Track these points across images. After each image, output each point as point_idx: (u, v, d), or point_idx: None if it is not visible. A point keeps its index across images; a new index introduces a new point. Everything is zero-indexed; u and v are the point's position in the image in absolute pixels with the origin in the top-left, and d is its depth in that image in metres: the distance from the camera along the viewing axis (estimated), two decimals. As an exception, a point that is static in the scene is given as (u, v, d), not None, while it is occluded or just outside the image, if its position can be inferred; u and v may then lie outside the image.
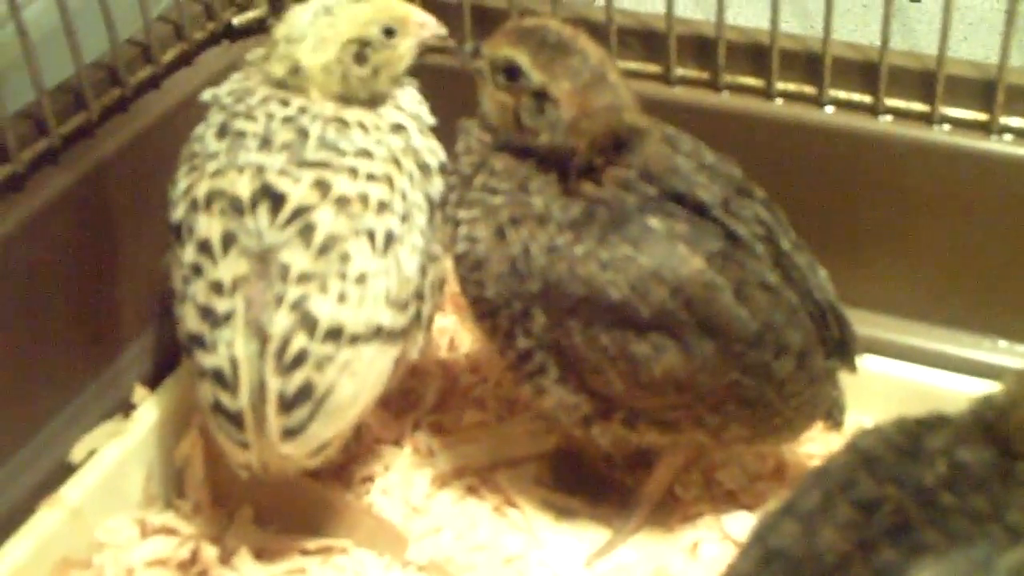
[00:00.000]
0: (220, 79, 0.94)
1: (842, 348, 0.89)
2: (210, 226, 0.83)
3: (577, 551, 0.94)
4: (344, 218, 0.84)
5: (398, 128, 0.90)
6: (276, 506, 0.96)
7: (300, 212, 0.83)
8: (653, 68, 1.04)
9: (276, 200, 0.83)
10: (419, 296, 0.88)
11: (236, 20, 1.11)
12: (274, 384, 0.81)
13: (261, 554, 0.93)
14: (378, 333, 0.84)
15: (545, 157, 0.85)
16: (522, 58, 0.84)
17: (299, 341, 0.81)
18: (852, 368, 0.91)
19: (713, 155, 0.89)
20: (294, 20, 0.91)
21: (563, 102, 0.84)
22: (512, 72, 0.85)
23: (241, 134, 0.86)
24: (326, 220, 0.83)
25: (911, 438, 0.65)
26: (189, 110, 0.96)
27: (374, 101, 0.91)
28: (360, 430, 0.97)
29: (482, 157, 0.88)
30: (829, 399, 0.91)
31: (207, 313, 0.82)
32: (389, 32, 0.91)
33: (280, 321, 0.81)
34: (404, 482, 0.98)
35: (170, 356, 1.02)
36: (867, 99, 1.00)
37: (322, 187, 0.84)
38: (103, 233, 1.00)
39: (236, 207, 0.83)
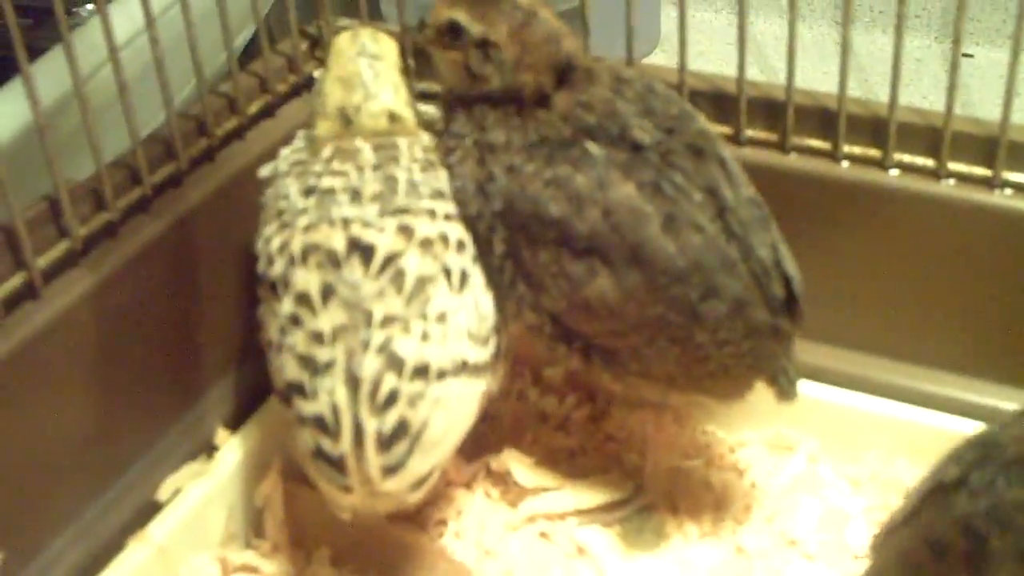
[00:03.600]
0: (300, 129, 1.00)
1: (790, 308, 0.93)
2: (308, 279, 0.87)
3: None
4: (429, 259, 0.88)
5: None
6: (353, 547, 0.99)
7: (390, 259, 0.87)
8: (724, 129, 1.07)
9: (367, 252, 0.87)
10: (497, 330, 0.92)
11: (316, 73, 1.15)
12: (371, 425, 0.83)
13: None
14: (464, 367, 0.87)
15: (500, 99, 0.94)
16: (460, 15, 0.94)
17: (389, 381, 0.84)
18: (797, 326, 0.95)
19: (677, 107, 0.95)
20: (349, 70, 0.97)
21: (504, 44, 0.93)
22: (455, 31, 0.94)
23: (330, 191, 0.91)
24: (413, 264, 0.87)
25: None
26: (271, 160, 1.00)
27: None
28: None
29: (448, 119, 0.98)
30: (774, 359, 0.95)
31: (307, 362, 0.85)
32: None
33: (369, 365, 0.84)
34: (478, 525, 1.01)
35: (251, 399, 1.05)
36: (930, 163, 1.03)
37: (406, 232, 0.88)
38: (189, 279, 1.03)
39: (333, 260, 0.87)
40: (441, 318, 0.87)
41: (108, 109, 1.01)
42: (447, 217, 0.91)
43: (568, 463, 1.06)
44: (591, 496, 1.03)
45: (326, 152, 0.94)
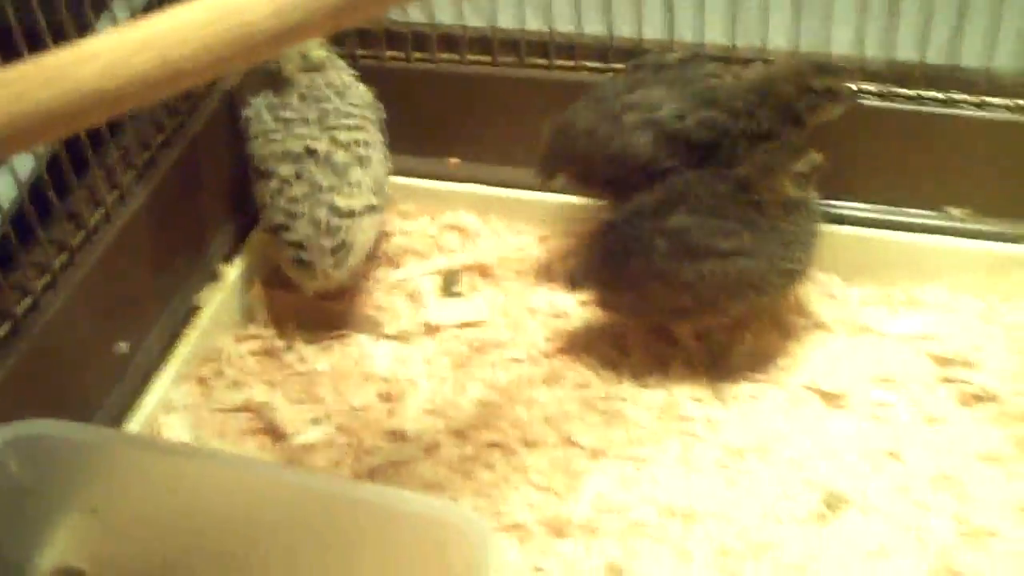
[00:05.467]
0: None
1: None
2: (287, 169, 1.64)
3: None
4: (349, 154, 1.65)
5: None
6: (307, 320, 1.75)
7: (327, 156, 1.64)
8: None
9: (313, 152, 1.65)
10: (387, 183, 1.70)
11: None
12: (326, 243, 1.62)
13: (308, 341, 1.74)
14: (370, 209, 1.65)
15: None
16: None
17: (333, 220, 1.62)
18: None
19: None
20: None
21: None
22: None
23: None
24: (339, 158, 1.65)
25: None
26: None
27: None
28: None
29: None
30: None
31: (289, 213, 1.63)
32: None
33: (322, 212, 1.62)
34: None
35: (236, 244, 1.81)
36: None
37: (335, 141, 1.65)
38: (197, 169, 1.79)
39: (297, 159, 1.64)
40: (357, 184, 1.65)
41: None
42: (356, 128, 1.67)
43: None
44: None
45: (280, 90, 1.70)
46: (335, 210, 1.62)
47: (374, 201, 1.67)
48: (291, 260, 1.64)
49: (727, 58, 1.71)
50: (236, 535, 1.29)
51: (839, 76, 1.58)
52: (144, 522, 1.31)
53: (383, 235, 1.84)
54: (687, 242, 1.54)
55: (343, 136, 1.66)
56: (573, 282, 1.65)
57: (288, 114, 1.68)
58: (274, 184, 1.65)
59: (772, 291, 1.58)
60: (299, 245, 1.63)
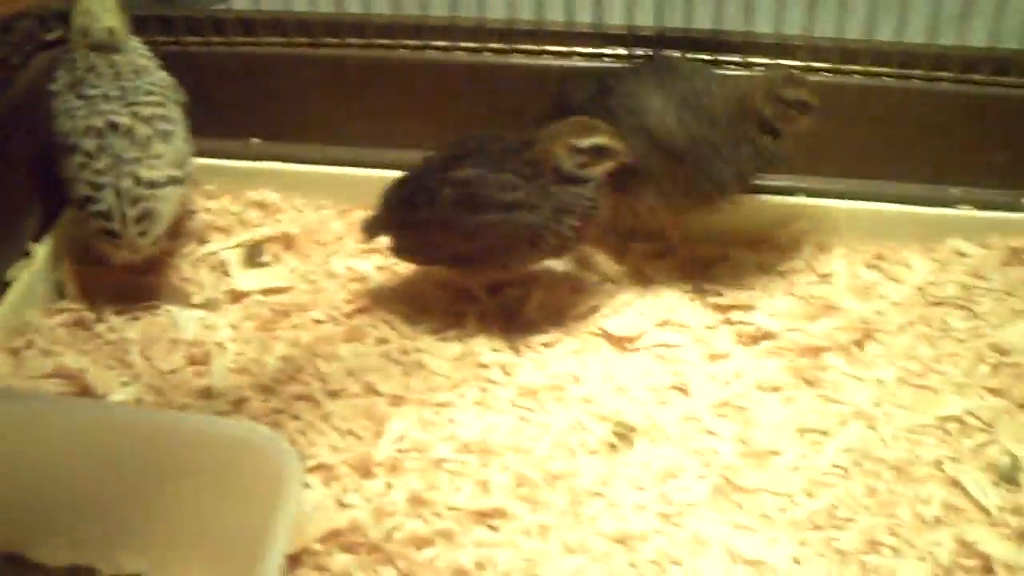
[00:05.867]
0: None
1: None
2: (89, 144, 1.70)
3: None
4: (149, 128, 1.72)
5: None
6: (115, 291, 1.81)
7: (128, 130, 1.71)
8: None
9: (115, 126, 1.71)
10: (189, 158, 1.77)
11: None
12: (130, 213, 1.68)
13: (117, 313, 1.79)
14: (171, 180, 1.72)
15: None
16: None
17: (136, 191, 1.68)
18: None
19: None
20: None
21: None
22: None
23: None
24: (140, 132, 1.71)
25: None
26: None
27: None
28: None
29: None
30: None
31: (94, 185, 1.69)
32: None
33: (125, 183, 1.68)
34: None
35: (45, 223, 1.86)
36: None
37: (136, 116, 1.72)
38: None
39: (100, 133, 1.70)
40: (159, 156, 1.71)
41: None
42: (157, 104, 1.74)
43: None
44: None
45: (82, 69, 1.76)
46: (139, 180, 1.69)
47: (177, 173, 1.74)
48: (98, 231, 1.70)
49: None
50: (66, 471, 1.36)
51: (810, 88, 1.66)
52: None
53: (188, 213, 1.91)
54: (470, 193, 1.64)
55: (145, 111, 1.73)
56: (368, 229, 1.75)
57: (90, 92, 1.75)
58: (79, 158, 1.71)
59: (547, 249, 1.68)
60: (105, 216, 1.68)
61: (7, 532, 1.39)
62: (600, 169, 1.64)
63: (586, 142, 1.62)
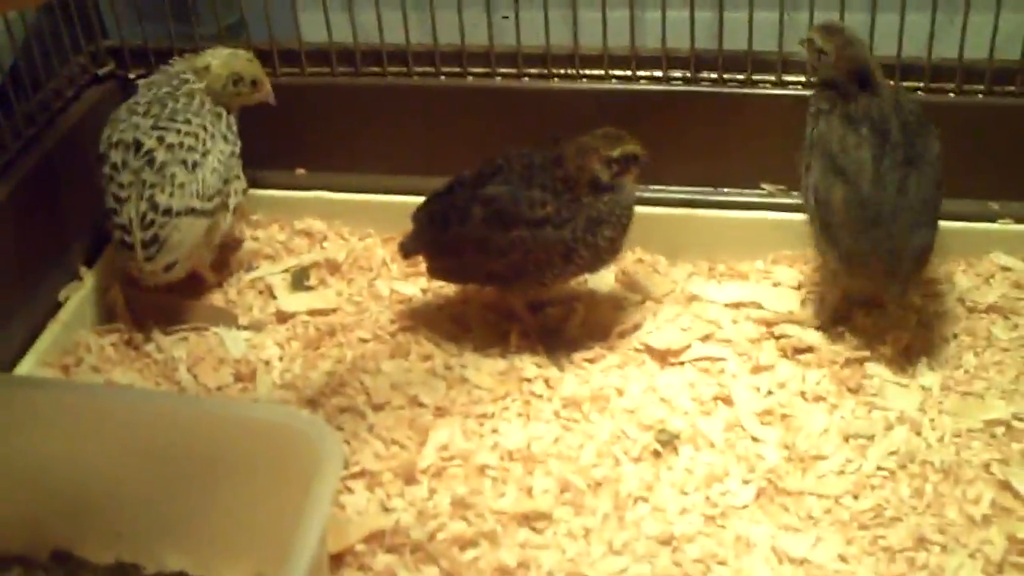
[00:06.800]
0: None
1: None
2: (116, 157, 1.72)
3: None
4: (171, 154, 1.73)
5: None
6: (161, 314, 1.82)
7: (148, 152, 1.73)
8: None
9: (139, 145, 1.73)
10: (221, 193, 1.78)
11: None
12: (138, 237, 1.69)
13: (165, 334, 1.81)
14: (190, 211, 1.72)
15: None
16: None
17: (149, 215, 1.70)
18: None
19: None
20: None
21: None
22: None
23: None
24: (160, 156, 1.72)
25: None
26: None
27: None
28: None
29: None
30: None
31: (117, 199, 1.71)
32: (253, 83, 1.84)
33: (140, 207, 1.70)
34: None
35: (96, 250, 1.89)
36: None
37: (161, 141, 1.73)
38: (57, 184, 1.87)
39: (127, 150, 1.73)
40: (180, 186, 1.72)
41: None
42: (188, 134, 1.74)
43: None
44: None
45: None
46: (155, 206, 1.70)
47: (199, 205, 1.74)
48: (118, 242, 1.72)
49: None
50: (108, 464, 1.37)
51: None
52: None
53: (236, 241, 1.94)
54: (499, 210, 1.65)
55: (171, 138, 1.73)
56: (404, 251, 1.76)
57: (136, 107, 1.78)
58: (107, 169, 1.74)
59: (582, 263, 1.69)
60: (124, 228, 1.71)
61: (56, 528, 1.40)
62: (631, 176, 1.66)
63: (618, 151, 1.64)
